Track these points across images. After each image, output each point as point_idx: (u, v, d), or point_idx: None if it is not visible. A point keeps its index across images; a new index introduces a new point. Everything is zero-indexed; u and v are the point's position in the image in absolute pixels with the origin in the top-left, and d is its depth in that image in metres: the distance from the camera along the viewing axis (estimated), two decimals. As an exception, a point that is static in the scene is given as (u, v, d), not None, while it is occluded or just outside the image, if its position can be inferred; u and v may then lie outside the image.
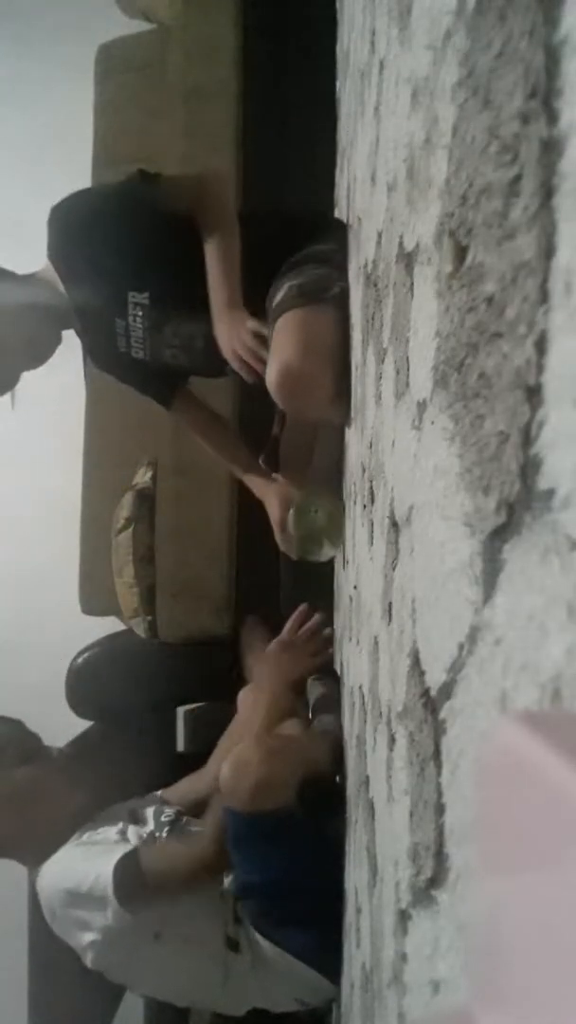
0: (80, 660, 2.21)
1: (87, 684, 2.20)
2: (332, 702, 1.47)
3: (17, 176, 2.95)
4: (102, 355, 1.54)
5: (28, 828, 1.35)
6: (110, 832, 1.33)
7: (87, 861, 1.24)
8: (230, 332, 1.29)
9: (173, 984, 1.23)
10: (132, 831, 1.34)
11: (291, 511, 1.38)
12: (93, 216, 1.37)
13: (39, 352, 1.44)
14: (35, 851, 1.32)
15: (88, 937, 1.21)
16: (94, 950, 1.21)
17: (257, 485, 1.56)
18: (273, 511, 1.50)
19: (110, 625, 2.32)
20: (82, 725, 2.18)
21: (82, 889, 1.19)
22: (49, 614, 2.67)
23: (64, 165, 2.52)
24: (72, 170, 2.38)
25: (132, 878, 1.18)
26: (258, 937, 1.19)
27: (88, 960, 1.23)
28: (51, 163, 2.83)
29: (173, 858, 1.25)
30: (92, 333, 1.49)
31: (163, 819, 1.37)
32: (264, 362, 1.24)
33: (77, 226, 1.36)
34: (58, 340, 1.46)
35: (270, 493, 1.51)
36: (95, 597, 2.35)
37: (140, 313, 1.40)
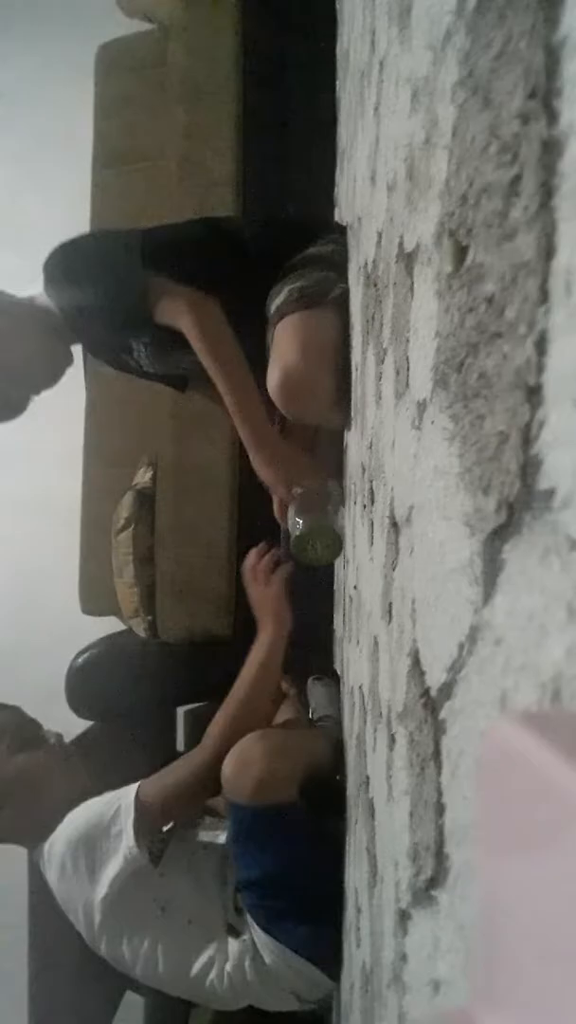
0: (80, 660, 2.21)
1: (87, 684, 2.20)
2: (332, 702, 1.47)
3: (17, 176, 2.95)
4: (114, 364, 1.56)
5: (29, 813, 1.35)
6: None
7: (106, 800, 1.26)
8: (275, 483, 1.33)
9: (172, 964, 1.23)
10: None
11: (291, 529, 1.36)
12: (86, 279, 1.35)
13: (49, 374, 1.44)
14: (37, 834, 1.32)
15: (97, 893, 1.21)
16: (100, 911, 1.21)
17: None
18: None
19: (110, 625, 2.33)
20: (82, 725, 2.18)
21: (104, 819, 1.21)
22: (49, 614, 2.67)
23: (64, 165, 2.53)
24: (72, 170, 2.39)
25: (147, 808, 1.21)
26: (256, 929, 1.19)
27: (95, 921, 1.22)
28: (51, 163, 2.84)
29: (177, 768, 1.27)
30: (99, 354, 1.52)
31: None
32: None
33: (71, 284, 1.36)
34: (69, 359, 1.46)
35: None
36: (95, 597, 2.35)
37: (144, 350, 1.43)
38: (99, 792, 1.42)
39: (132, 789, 1.23)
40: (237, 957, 1.20)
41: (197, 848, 1.33)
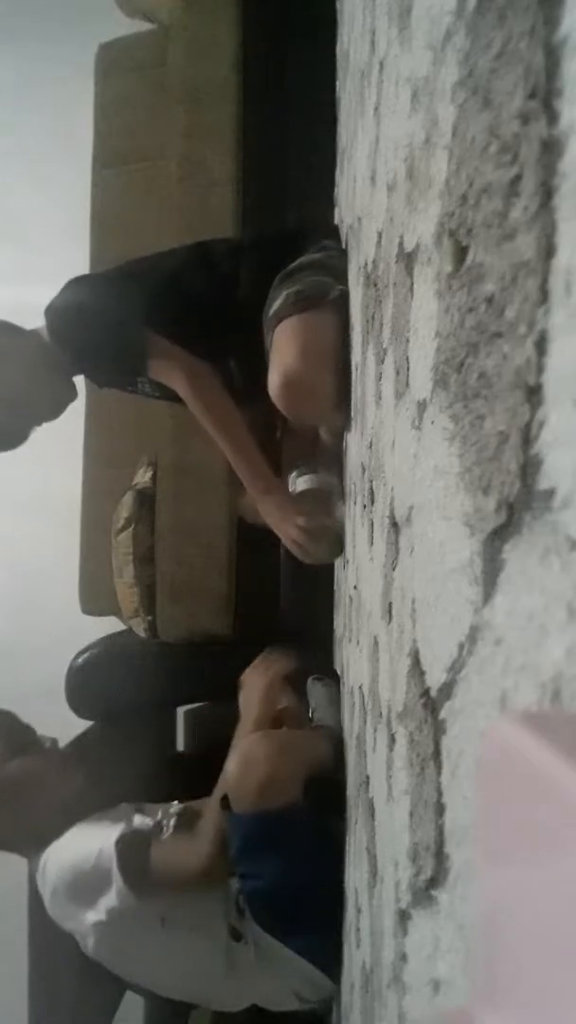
0: (80, 660, 2.21)
1: (87, 684, 2.20)
2: (332, 702, 1.47)
3: (17, 176, 2.95)
4: (120, 387, 1.58)
5: (24, 819, 1.35)
6: (116, 819, 1.34)
7: (92, 836, 1.25)
8: (281, 524, 1.37)
9: (176, 973, 1.23)
10: (138, 819, 1.35)
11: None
12: (89, 332, 1.38)
13: (51, 407, 1.46)
14: (33, 841, 1.32)
15: (92, 918, 1.21)
16: (97, 933, 1.21)
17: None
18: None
19: (110, 625, 2.33)
20: (82, 725, 2.18)
21: (87, 865, 1.20)
22: (49, 614, 2.67)
23: (64, 165, 2.53)
24: (72, 170, 2.38)
25: (136, 857, 1.19)
26: (260, 931, 1.19)
27: (90, 946, 1.22)
28: (51, 163, 2.84)
29: (174, 860, 1.24)
30: (103, 385, 1.56)
31: (171, 810, 1.37)
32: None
33: (72, 337, 1.38)
34: (72, 394, 1.48)
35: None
36: (95, 597, 2.35)
37: (148, 383, 1.45)
38: (97, 796, 1.42)
39: (114, 836, 1.22)
40: (240, 960, 1.20)
41: None
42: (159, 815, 1.37)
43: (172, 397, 1.53)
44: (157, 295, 1.38)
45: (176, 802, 1.41)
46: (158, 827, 1.32)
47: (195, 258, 1.48)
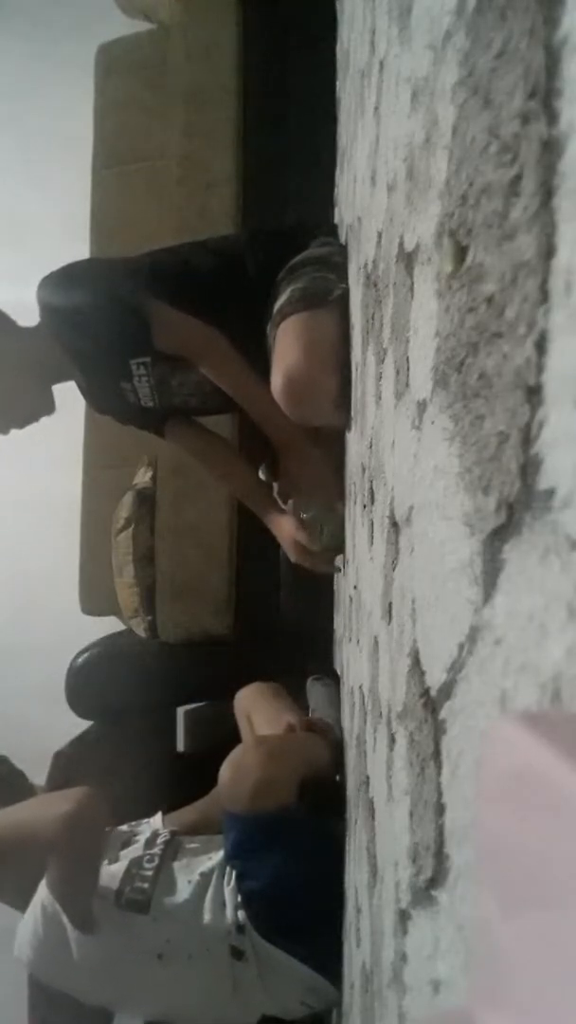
0: (80, 660, 2.21)
1: (87, 684, 2.20)
2: (332, 702, 1.47)
3: (17, 176, 2.95)
4: (104, 405, 1.53)
5: (23, 869, 1.31)
6: None
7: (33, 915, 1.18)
8: (309, 479, 1.37)
9: (182, 1004, 1.20)
10: (121, 857, 1.28)
11: (304, 515, 1.38)
12: (87, 305, 1.33)
13: (24, 414, 1.40)
14: (25, 896, 1.28)
15: (84, 976, 1.16)
16: (95, 987, 1.18)
17: (262, 510, 1.50)
18: (284, 541, 1.46)
19: (110, 625, 2.33)
20: (82, 725, 2.18)
21: (39, 929, 1.15)
22: (49, 614, 2.67)
23: (64, 165, 2.53)
24: (72, 170, 2.39)
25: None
26: (261, 942, 1.17)
27: (89, 1000, 1.19)
28: (51, 163, 2.84)
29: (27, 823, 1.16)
30: (97, 392, 1.49)
31: (158, 841, 1.31)
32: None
33: (70, 311, 1.33)
34: (49, 407, 1.42)
35: (277, 524, 1.46)
36: (95, 597, 2.35)
37: (145, 372, 1.39)
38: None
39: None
40: (244, 978, 1.17)
41: (194, 878, 1.25)
42: (141, 849, 1.30)
43: (157, 416, 1.49)
44: (160, 271, 1.36)
45: (161, 831, 1.36)
46: (138, 862, 1.26)
47: (199, 247, 1.46)
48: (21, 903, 1.23)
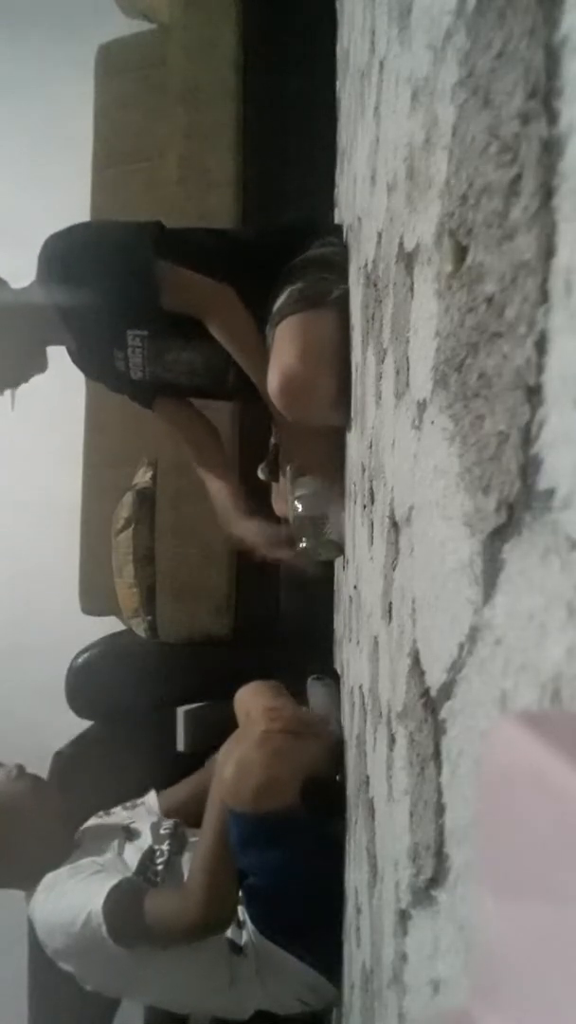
0: (80, 660, 2.21)
1: (87, 684, 2.20)
2: (332, 702, 1.47)
3: (17, 176, 2.95)
4: (93, 371, 1.52)
5: (7, 855, 1.32)
6: (104, 855, 1.30)
7: (77, 893, 1.20)
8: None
9: (178, 991, 1.22)
10: (129, 849, 1.31)
11: (291, 517, 1.37)
12: (95, 260, 1.31)
13: (16, 373, 1.38)
14: (25, 875, 1.30)
15: (88, 966, 1.19)
16: (94, 977, 1.20)
17: (228, 510, 1.47)
18: (253, 541, 1.44)
19: (110, 625, 2.33)
20: (82, 725, 2.18)
21: (74, 928, 1.16)
22: (49, 614, 2.67)
23: (64, 165, 2.53)
24: (72, 170, 2.39)
25: (128, 922, 1.14)
26: (260, 939, 1.18)
27: (88, 985, 1.21)
28: (51, 163, 2.84)
29: (170, 920, 1.17)
30: (86, 356, 1.46)
31: (162, 832, 1.34)
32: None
33: (77, 264, 1.31)
34: (42, 365, 1.40)
35: (241, 526, 1.43)
36: (95, 597, 2.35)
37: (140, 345, 1.37)
38: (84, 811, 1.39)
39: (101, 895, 1.16)
40: (241, 973, 1.18)
41: None
42: (148, 838, 1.33)
43: (142, 387, 1.47)
44: (167, 235, 1.34)
45: (165, 821, 1.37)
46: (150, 854, 1.29)
47: (204, 234, 1.46)
48: (28, 884, 1.27)
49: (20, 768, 1.40)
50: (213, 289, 1.29)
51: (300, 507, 1.35)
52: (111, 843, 1.33)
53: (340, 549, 1.33)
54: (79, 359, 1.48)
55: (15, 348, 1.36)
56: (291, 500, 1.37)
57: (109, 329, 1.37)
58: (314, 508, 1.34)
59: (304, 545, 1.34)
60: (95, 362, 1.47)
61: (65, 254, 1.31)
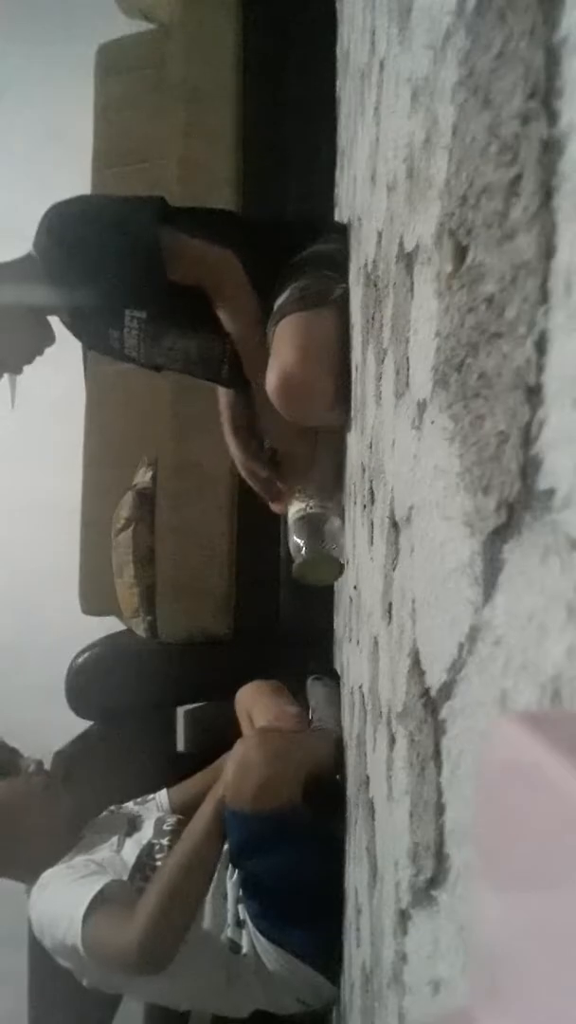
0: (80, 660, 2.21)
1: (87, 684, 2.20)
2: (332, 702, 1.47)
3: (17, 176, 2.95)
4: (89, 341, 1.51)
5: (12, 846, 1.33)
6: (102, 850, 1.30)
7: (67, 897, 1.19)
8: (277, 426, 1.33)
9: (175, 989, 1.22)
10: (129, 844, 1.31)
11: (293, 565, 1.36)
12: (96, 230, 1.29)
13: (22, 355, 1.37)
14: (23, 868, 1.30)
15: (82, 964, 1.18)
16: (91, 974, 1.20)
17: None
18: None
19: (110, 625, 2.33)
20: (82, 725, 2.18)
21: (59, 933, 1.16)
22: (49, 614, 2.67)
23: (64, 165, 2.53)
24: (72, 170, 2.39)
25: (101, 940, 1.13)
26: (260, 938, 1.18)
27: (84, 982, 1.21)
28: (51, 163, 2.84)
29: (104, 942, 1.14)
30: (80, 328, 1.45)
31: (165, 828, 1.35)
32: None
33: (77, 235, 1.28)
34: (50, 337, 1.38)
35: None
36: (95, 597, 2.35)
37: (136, 326, 1.35)
38: (95, 810, 1.39)
39: (81, 913, 1.14)
40: (240, 972, 1.18)
41: None
42: (150, 832, 1.33)
43: (150, 360, 1.45)
44: (171, 211, 1.32)
45: (169, 817, 1.38)
46: (149, 849, 1.29)
47: (206, 208, 1.45)
48: (30, 877, 1.27)
49: (39, 764, 1.41)
50: (216, 257, 1.27)
51: (295, 534, 1.35)
52: (112, 837, 1.34)
53: (339, 567, 1.32)
54: (72, 330, 1.46)
55: (20, 325, 1.34)
56: (290, 521, 1.37)
57: (106, 306, 1.35)
58: (311, 530, 1.34)
59: (303, 557, 1.33)
60: (89, 335, 1.46)
61: (64, 226, 1.29)
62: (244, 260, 1.30)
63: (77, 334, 1.49)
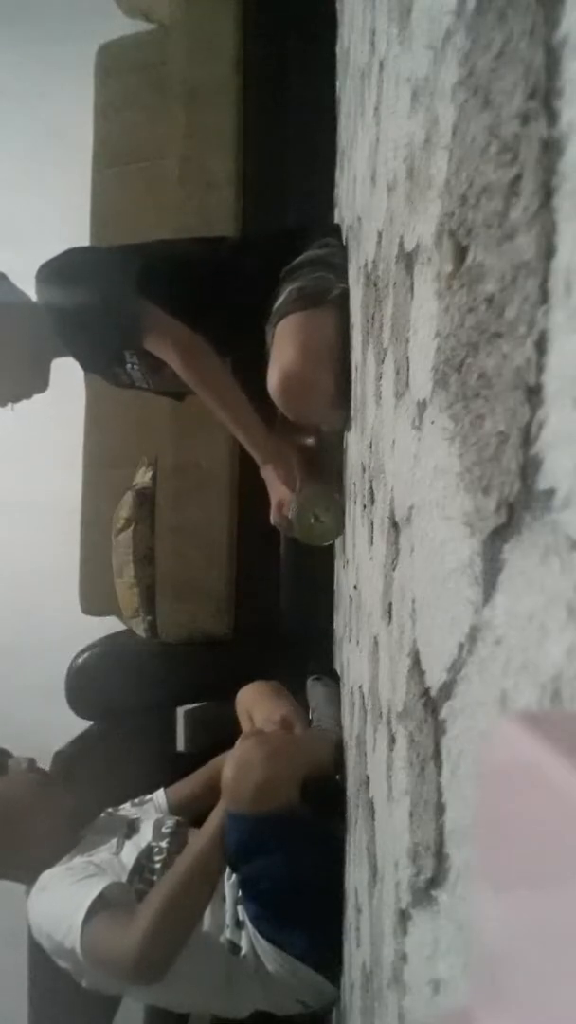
0: (80, 660, 2.21)
1: (87, 684, 2.20)
2: (332, 702, 1.47)
3: (17, 176, 2.95)
4: (105, 378, 1.55)
5: (11, 846, 1.32)
6: (101, 852, 1.29)
7: (66, 899, 1.18)
8: (277, 491, 1.39)
9: (175, 992, 1.21)
10: (128, 847, 1.31)
11: (291, 514, 1.38)
12: (81, 292, 1.34)
13: (13, 391, 1.40)
14: (22, 868, 1.30)
15: (80, 966, 1.17)
16: (89, 975, 1.19)
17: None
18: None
19: (110, 625, 2.33)
20: (82, 725, 2.18)
21: (58, 935, 1.16)
22: (49, 614, 2.67)
23: (64, 165, 2.53)
24: (72, 170, 2.39)
25: (100, 944, 1.12)
26: (260, 939, 1.18)
27: (84, 982, 1.21)
28: (51, 163, 2.84)
29: (103, 947, 1.13)
30: (94, 369, 1.51)
31: (163, 830, 1.34)
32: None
33: (66, 295, 1.35)
34: (43, 384, 1.43)
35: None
36: (95, 597, 2.35)
37: (136, 362, 1.41)
38: (89, 808, 1.38)
39: (80, 917, 1.13)
40: (239, 973, 1.18)
41: None
42: (149, 835, 1.33)
43: (159, 388, 1.50)
44: (156, 270, 1.37)
45: (168, 819, 1.38)
46: (148, 852, 1.28)
47: (197, 248, 1.47)
48: (29, 878, 1.27)
49: (31, 761, 1.41)
50: (186, 340, 1.31)
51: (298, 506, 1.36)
52: (111, 840, 1.33)
53: (339, 525, 1.34)
54: (86, 367, 1.53)
55: (18, 364, 1.39)
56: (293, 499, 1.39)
57: (107, 350, 1.42)
58: (311, 499, 1.37)
59: (296, 514, 1.36)
60: (101, 371, 1.52)
61: (55, 293, 1.36)
62: (233, 305, 1.35)
63: (92, 372, 1.55)
